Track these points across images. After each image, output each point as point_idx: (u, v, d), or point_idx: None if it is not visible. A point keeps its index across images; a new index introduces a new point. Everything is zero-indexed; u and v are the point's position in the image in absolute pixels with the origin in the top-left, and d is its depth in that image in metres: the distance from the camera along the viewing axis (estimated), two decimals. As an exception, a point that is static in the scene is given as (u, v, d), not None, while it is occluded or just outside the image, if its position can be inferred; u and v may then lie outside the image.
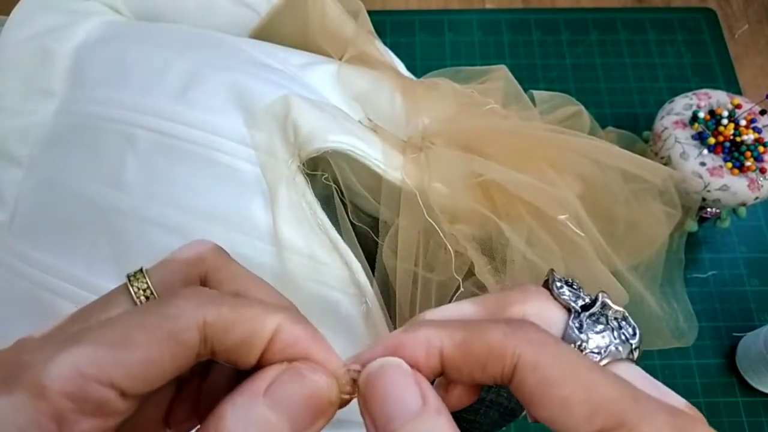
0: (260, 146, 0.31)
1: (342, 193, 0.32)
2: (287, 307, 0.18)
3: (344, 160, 0.31)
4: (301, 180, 0.31)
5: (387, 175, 0.31)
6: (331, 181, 0.31)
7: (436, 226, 0.28)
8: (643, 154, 0.54)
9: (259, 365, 0.16)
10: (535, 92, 0.39)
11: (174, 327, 0.15)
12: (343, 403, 0.16)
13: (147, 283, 0.17)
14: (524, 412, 0.36)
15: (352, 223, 0.32)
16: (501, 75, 0.40)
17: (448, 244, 0.28)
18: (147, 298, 0.17)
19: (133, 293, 0.17)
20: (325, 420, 0.16)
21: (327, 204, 0.31)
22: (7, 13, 0.39)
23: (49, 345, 0.14)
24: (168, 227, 0.30)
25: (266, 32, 0.41)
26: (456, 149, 0.32)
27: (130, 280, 0.17)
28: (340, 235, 0.31)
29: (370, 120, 0.35)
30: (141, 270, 0.18)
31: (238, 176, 0.31)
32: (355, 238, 0.32)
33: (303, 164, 0.31)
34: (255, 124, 0.31)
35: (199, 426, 0.17)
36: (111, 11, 0.41)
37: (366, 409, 0.16)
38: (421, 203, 0.29)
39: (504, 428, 0.36)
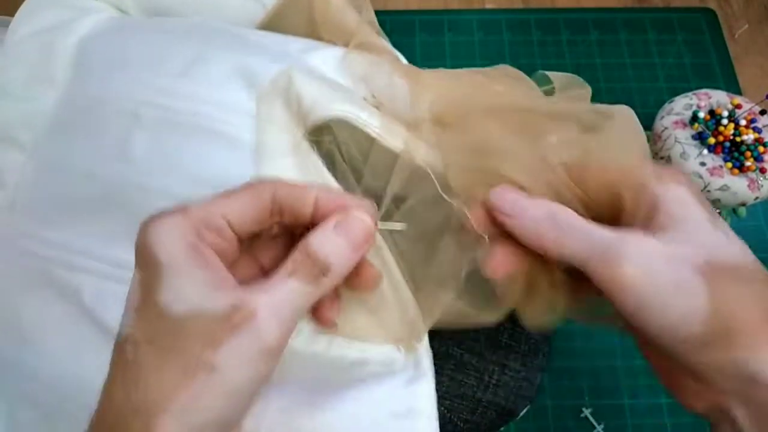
0: (263, 116, 0.31)
1: (344, 159, 0.32)
2: (323, 185, 0.27)
3: (346, 130, 0.31)
4: (306, 146, 0.31)
5: (384, 141, 0.31)
6: (334, 147, 0.32)
7: (451, 201, 0.28)
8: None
9: (313, 222, 0.25)
10: (549, 73, 0.40)
11: (256, 190, 0.24)
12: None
13: None
14: (522, 413, 0.36)
15: None
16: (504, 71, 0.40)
17: (466, 213, 0.28)
18: None
19: None
20: (369, 244, 0.25)
21: (330, 168, 0.32)
22: (10, 12, 0.40)
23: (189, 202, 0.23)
24: (176, 198, 0.31)
25: (272, 25, 0.42)
26: (463, 133, 0.32)
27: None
28: None
29: (374, 97, 0.35)
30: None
31: (244, 146, 0.31)
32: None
33: (308, 132, 0.31)
34: (259, 96, 0.32)
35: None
36: (115, 9, 0.42)
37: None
38: (435, 179, 0.29)
39: (503, 429, 0.36)
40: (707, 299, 0.21)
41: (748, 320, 0.21)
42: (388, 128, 0.32)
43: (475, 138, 0.30)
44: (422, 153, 0.31)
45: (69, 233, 0.33)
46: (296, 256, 0.23)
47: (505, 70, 0.39)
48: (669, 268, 0.22)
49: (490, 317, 0.29)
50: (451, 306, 0.29)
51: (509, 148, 0.28)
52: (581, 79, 0.40)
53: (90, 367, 0.31)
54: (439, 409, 0.32)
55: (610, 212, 0.26)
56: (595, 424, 0.45)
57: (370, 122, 0.31)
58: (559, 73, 0.40)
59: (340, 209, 0.25)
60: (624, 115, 0.27)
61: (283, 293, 0.22)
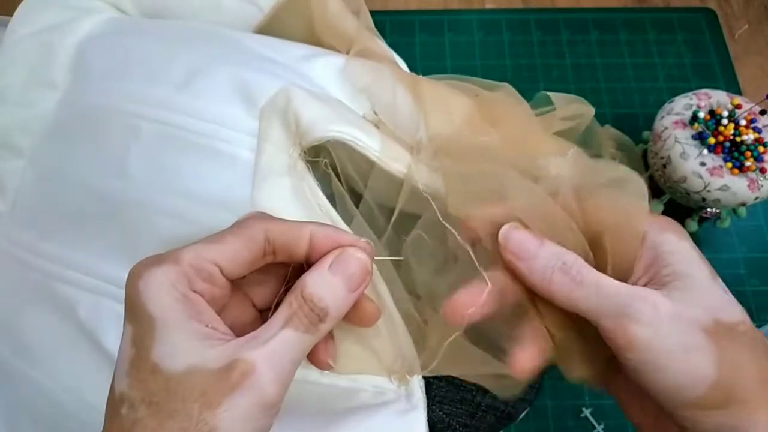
0: (261, 135, 0.31)
1: (341, 180, 0.32)
2: (317, 221, 0.26)
3: (344, 151, 0.31)
4: (302, 166, 0.31)
5: (383, 164, 0.31)
6: (330, 168, 0.32)
7: (451, 229, 0.28)
8: (641, 154, 0.54)
9: (308, 259, 0.24)
10: (551, 94, 0.39)
11: (249, 233, 0.23)
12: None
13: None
14: (522, 415, 0.36)
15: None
16: (506, 92, 0.40)
17: (464, 243, 0.28)
18: None
19: None
20: (366, 283, 0.24)
21: (327, 190, 0.32)
22: (8, 12, 0.39)
23: (178, 247, 0.23)
24: (173, 214, 0.31)
25: (270, 29, 0.42)
26: (467, 162, 0.32)
27: None
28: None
29: (375, 114, 0.35)
30: None
31: (241, 164, 0.31)
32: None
33: (304, 152, 0.31)
34: (257, 114, 0.32)
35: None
36: (115, 9, 0.41)
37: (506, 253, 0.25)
38: (435, 208, 0.29)
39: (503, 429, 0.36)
40: (714, 364, 0.22)
41: (748, 384, 0.22)
42: (388, 150, 0.32)
43: (481, 169, 0.30)
44: (424, 177, 0.31)
45: (66, 246, 0.33)
46: (292, 301, 0.23)
47: (506, 92, 0.39)
48: (679, 330, 0.22)
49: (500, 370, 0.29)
50: (469, 352, 0.28)
51: (514, 180, 0.28)
52: (584, 100, 0.40)
53: (90, 385, 0.31)
54: (438, 413, 0.32)
55: (595, 247, 0.26)
56: (595, 424, 0.45)
57: (369, 144, 0.31)
58: (561, 94, 0.39)
59: (334, 246, 0.24)
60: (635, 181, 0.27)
61: (281, 344, 0.22)
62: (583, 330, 0.26)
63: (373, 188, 0.32)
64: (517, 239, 0.26)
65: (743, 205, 0.46)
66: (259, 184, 0.30)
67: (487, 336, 0.28)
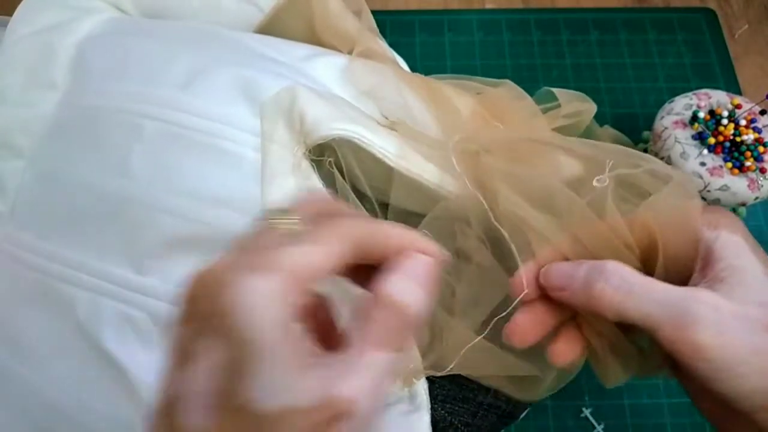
0: (265, 134, 0.31)
1: (345, 179, 0.32)
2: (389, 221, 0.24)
3: (349, 149, 0.31)
4: (306, 165, 0.31)
5: (389, 162, 0.31)
6: (334, 168, 0.32)
7: (503, 232, 0.28)
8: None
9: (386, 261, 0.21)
10: (555, 90, 0.39)
11: (341, 237, 0.20)
12: None
13: (290, 219, 0.22)
14: (522, 415, 0.36)
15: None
16: (508, 88, 0.40)
17: (513, 247, 0.28)
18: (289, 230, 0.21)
19: (281, 229, 0.21)
20: (434, 289, 0.21)
21: (332, 190, 0.32)
22: (8, 12, 0.39)
23: (268, 246, 0.19)
24: (176, 213, 0.31)
25: (270, 29, 0.42)
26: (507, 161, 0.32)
27: (277, 219, 0.22)
28: None
29: (386, 118, 0.35)
30: (282, 209, 0.22)
31: (245, 163, 0.31)
32: None
33: (309, 151, 0.31)
34: (261, 113, 0.32)
35: None
36: (115, 9, 0.41)
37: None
38: (487, 207, 0.29)
39: (503, 431, 0.36)
40: None
41: None
42: (402, 151, 0.32)
43: (531, 176, 0.29)
44: (438, 176, 0.31)
45: (66, 246, 0.33)
46: (374, 315, 0.19)
47: (508, 88, 0.39)
48: (744, 332, 0.21)
49: (539, 372, 0.29)
50: (491, 353, 0.28)
51: (562, 193, 0.27)
52: (586, 96, 0.40)
53: (88, 386, 0.31)
54: (440, 412, 0.32)
55: (647, 259, 0.25)
56: (595, 424, 0.45)
57: (374, 141, 0.31)
58: (565, 91, 0.39)
59: (412, 248, 0.21)
60: (680, 179, 0.26)
61: (376, 370, 0.18)
62: (619, 340, 0.25)
63: (380, 188, 0.32)
64: (555, 272, 0.25)
65: (743, 205, 0.46)
66: (267, 184, 0.30)
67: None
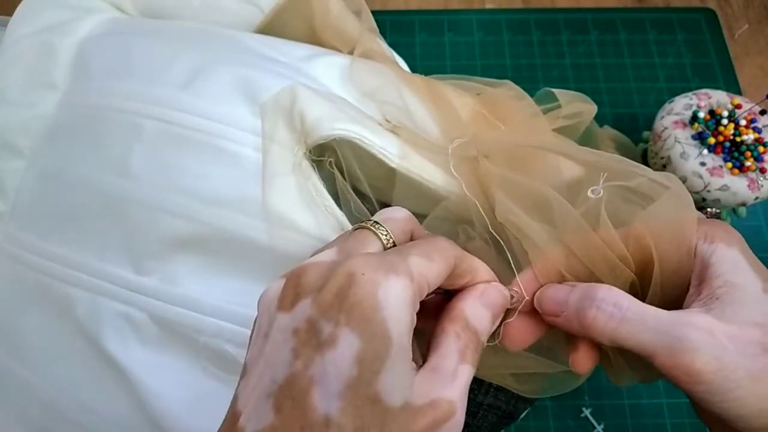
0: (266, 134, 0.31)
1: (345, 179, 0.32)
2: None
3: (349, 149, 0.31)
4: (306, 165, 0.31)
5: (390, 162, 0.31)
6: (335, 168, 0.32)
7: (498, 238, 0.28)
8: (641, 154, 0.54)
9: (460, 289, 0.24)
10: (556, 91, 0.39)
11: (448, 253, 0.22)
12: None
13: (386, 230, 0.23)
14: (522, 415, 0.36)
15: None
16: (507, 88, 0.40)
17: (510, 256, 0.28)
18: (389, 239, 0.23)
19: (381, 237, 0.23)
20: (501, 316, 0.25)
21: (331, 189, 0.32)
22: (8, 12, 0.39)
23: (395, 253, 0.21)
24: (176, 213, 0.31)
25: (270, 29, 0.42)
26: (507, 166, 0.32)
27: (371, 227, 0.23)
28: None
29: (389, 121, 0.35)
30: (375, 221, 0.24)
31: (245, 163, 0.31)
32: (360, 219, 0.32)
33: (309, 151, 0.31)
34: (261, 113, 0.32)
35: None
36: (115, 9, 0.41)
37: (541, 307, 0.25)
38: (483, 213, 0.29)
39: (503, 431, 0.36)
40: None
41: None
42: (403, 151, 0.32)
43: (529, 183, 0.29)
44: (442, 178, 0.31)
45: (66, 246, 0.32)
46: (459, 332, 0.22)
47: (508, 88, 0.39)
48: (740, 355, 0.21)
49: (550, 369, 0.29)
50: (496, 353, 0.28)
51: (558, 203, 0.27)
52: (587, 97, 0.40)
53: (87, 386, 0.31)
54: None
55: (642, 272, 0.25)
56: (595, 424, 0.45)
57: (376, 143, 0.31)
58: (565, 91, 0.39)
59: (484, 278, 0.24)
60: (675, 185, 0.26)
61: (466, 381, 0.21)
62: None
63: (380, 189, 0.32)
64: (548, 299, 0.25)
65: (743, 205, 0.46)
66: (268, 185, 0.30)
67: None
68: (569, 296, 0.25)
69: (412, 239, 0.25)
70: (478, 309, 0.23)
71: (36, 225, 0.34)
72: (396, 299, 0.19)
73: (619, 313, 0.23)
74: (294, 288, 0.21)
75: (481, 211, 0.29)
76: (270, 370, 0.20)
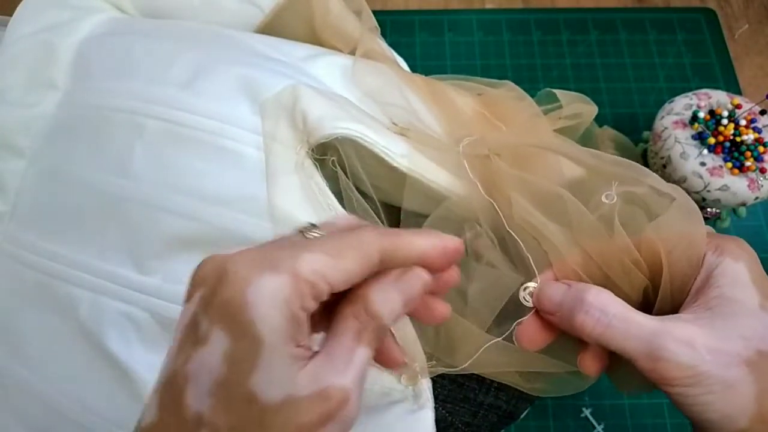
0: (268, 133, 0.31)
1: (348, 178, 0.32)
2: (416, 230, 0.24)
3: (351, 148, 0.31)
4: (309, 164, 0.31)
5: (391, 161, 0.31)
6: (337, 167, 0.32)
7: (515, 236, 0.28)
8: (641, 154, 0.54)
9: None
10: (557, 91, 0.39)
11: (368, 248, 0.20)
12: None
13: (319, 234, 0.22)
14: (523, 415, 0.36)
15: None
16: (508, 88, 0.40)
17: (525, 252, 0.28)
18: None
19: (309, 236, 0.22)
20: (415, 301, 0.22)
21: (334, 188, 0.32)
22: (8, 12, 0.39)
23: (286, 249, 0.20)
24: (178, 213, 0.31)
25: (270, 29, 0.42)
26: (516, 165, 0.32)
27: (304, 232, 0.22)
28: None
29: (396, 124, 0.35)
30: (314, 225, 0.22)
31: (247, 162, 0.31)
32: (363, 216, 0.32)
33: (312, 150, 0.31)
34: (263, 112, 0.32)
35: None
36: (115, 9, 0.41)
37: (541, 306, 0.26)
38: (500, 212, 0.29)
39: (503, 431, 0.36)
40: (755, 397, 0.22)
41: None
42: (405, 150, 0.32)
43: (543, 184, 0.30)
44: (446, 179, 0.31)
45: (67, 245, 0.32)
46: (358, 314, 0.20)
47: (508, 89, 0.39)
48: (718, 365, 0.22)
49: (559, 369, 0.29)
50: (504, 352, 0.29)
51: (574, 205, 0.28)
52: (588, 98, 0.40)
53: (89, 387, 0.31)
54: (440, 412, 0.32)
55: (653, 278, 0.26)
56: (595, 424, 0.45)
57: (379, 142, 0.31)
58: (566, 92, 0.39)
59: (428, 255, 0.22)
60: (682, 201, 0.27)
61: (362, 365, 0.20)
62: None
63: (382, 188, 0.32)
64: (545, 297, 0.26)
65: (743, 205, 0.46)
66: (272, 184, 0.30)
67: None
68: (564, 296, 0.25)
69: None
70: (387, 292, 0.21)
71: (37, 225, 0.34)
72: (267, 299, 0.18)
73: (605, 319, 0.24)
74: (192, 279, 0.20)
75: (498, 210, 0.29)
76: (165, 362, 0.20)
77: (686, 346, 0.22)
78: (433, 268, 0.22)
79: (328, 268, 0.19)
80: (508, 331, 0.28)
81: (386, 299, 0.21)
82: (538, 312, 0.27)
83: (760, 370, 0.22)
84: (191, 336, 0.19)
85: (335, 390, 0.19)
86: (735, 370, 0.22)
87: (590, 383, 0.30)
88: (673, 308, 0.26)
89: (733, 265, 0.24)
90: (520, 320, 0.27)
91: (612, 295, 0.25)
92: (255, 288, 0.18)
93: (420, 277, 0.22)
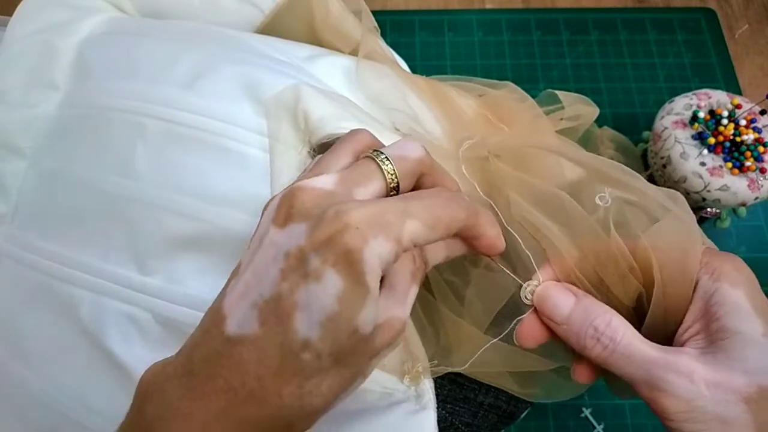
0: (270, 133, 0.31)
1: None
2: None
3: None
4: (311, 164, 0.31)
5: None
6: None
7: (515, 234, 0.28)
8: (641, 154, 0.54)
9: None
10: (559, 92, 0.40)
11: (456, 226, 0.23)
12: None
13: (393, 168, 0.24)
14: (523, 415, 0.36)
15: None
16: (509, 90, 0.40)
17: (527, 251, 0.28)
18: (393, 180, 0.24)
19: (386, 173, 0.23)
20: (453, 253, 0.26)
21: None
22: (8, 12, 0.39)
23: (394, 212, 0.22)
24: (180, 213, 0.31)
25: (270, 30, 0.42)
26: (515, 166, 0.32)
27: (379, 162, 0.24)
28: None
29: (398, 129, 0.35)
30: (385, 156, 0.24)
31: (249, 162, 0.31)
32: None
33: (314, 150, 0.31)
34: (265, 112, 0.32)
35: None
36: (115, 9, 0.41)
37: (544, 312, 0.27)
38: (499, 212, 0.29)
39: (503, 431, 0.36)
40: None
41: None
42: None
43: (542, 185, 0.30)
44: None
45: (68, 246, 0.32)
46: (416, 255, 0.24)
47: (509, 90, 0.39)
48: (715, 403, 0.22)
49: (550, 367, 0.30)
50: (502, 352, 0.29)
51: (573, 208, 0.28)
52: (589, 100, 0.40)
53: (91, 388, 0.31)
54: (440, 412, 0.32)
55: (647, 285, 0.26)
56: (595, 424, 0.45)
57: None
58: (568, 93, 0.39)
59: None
60: (678, 213, 0.27)
61: (412, 299, 0.24)
62: None
63: None
64: (552, 301, 0.26)
65: (743, 205, 0.46)
66: (275, 184, 0.30)
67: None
68: (572, 312, 0.26)
69: (418, 186, 0.25)
70: (438, 246, 0.25)
71: (38, 225, 0.34)
72: (379, 259, 0.21)
73: (612, 347, 0.24)
74: (287, 207, 0.22)
75: (497, 210, 0.29)
76: (258, 283, 0.22)
77: (685, 379, 0.22)
78: (480, 245, 0.25)
79: (423, 237, 0.22)
80: (508, 329, 0.27)
81: (436, 253, 0.25)
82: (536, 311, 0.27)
83: (759, 407, 0.22)
84: (299, 268, 0.21)
85: (397, 320, 0.23)
86: (733, 407, 0.22)
87: (584, 389, 0.30)
88: (665, 322, 0.26)
89: (732, 293, 0.24)
90: (519, 318, 0.27)
91: (621, 319, 0.25)
92: (371, 248, 0.20)
93: (464, 248, 0.26)
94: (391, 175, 0.23)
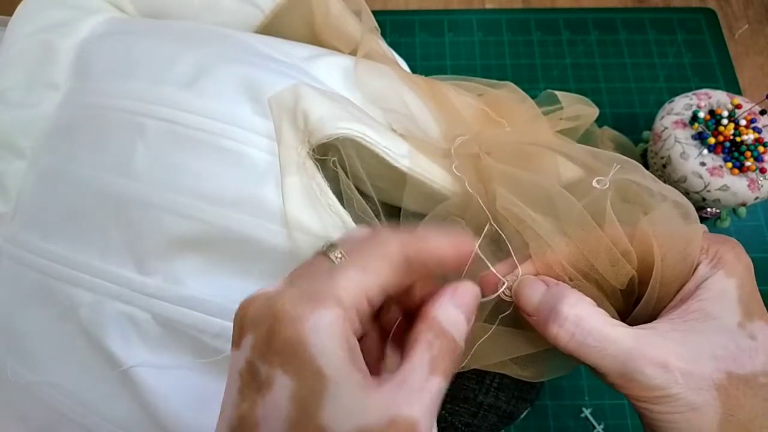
0: (270, 133, 0.31)
1: (349, 178, 0.32)
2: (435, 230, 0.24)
3: (352, 148, 0.31)
4: (310, 164, 0.31)
5: (393, 161, 0.31)
6: (338, 167, 0.32)
7: (501, 233, 0.28)
8: (641, 154, 0.54)
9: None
10: (558, 93, 0.40)
11: (395, 258, 0.21)
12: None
13: (341, 252, 0.22)
14: (523, 415, 0.36)
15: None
16: (509, 89, 0.40)
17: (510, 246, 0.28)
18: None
19: (336, 261, 0.22)
20: (474, 316, 0.23)
21: (335, 188, 0.32)
22: (8, 12, 0.39)
23: (322, 279, 0.20)
24: (179, 213, 0.31)
25: (270, 29, 0.42)
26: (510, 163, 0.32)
27: (327, 252, 0.22)
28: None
29: (394, 130, 0.35)
30: (332, 244, 0.23)
31: (249, 162, 0.31)
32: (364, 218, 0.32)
33: (313, 150, 0.31)
34: (264, 112, 0.32)
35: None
36: (115, 9, 0.41)
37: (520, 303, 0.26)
38: (485, 208, 0.29)
39: (503, 431, 0.36)
40: (717, 422, 0.22)
41: None
42: (414, 156, 0.32)
43: (530, 178, 0.29)
44: (442, 177, 0.31)
45: (68, 246, 0.32)
46: (431, 341, 0.20)
47: (509, 89, 0.39)
48: (687, 388, 0.22)
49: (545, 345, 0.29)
50: (498, 340, 0.29)
51: (562, 197, 0.27)
52: (589, 100, 0.40)
53: (90, 388, 0.31)
54: (440, 412, 0.32)
55: (643, 271, 0.26)
56: (595, 424, 0.45)
57: (380, 142, 0.31)
58: (568, 94, 0.39)
59: (450, 255, 0.23)
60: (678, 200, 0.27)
61: (435, 395, 0.20)
62: None
63: (382, 188, 0.32)
64: (524, 295, 0.26)
65: (743, 205, 0.46)
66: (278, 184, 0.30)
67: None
68: (541, 300, 0.25)
69: None
70: (452, 312, 0.22)
71: (38, 226, 0.34)
72: (324, 333, 0.18)
73: (580, 336, 0.24)
74: (240, 323, 0.20)
75: (482, 205, 0.29)
76: (226, 409, 0.20)
77: (661, 369, 0.22)
78: (450, 267, 0.23)
79: (365, 288, 0.20)
80: (492, 329, 0.27)
81: (454, 319, 0.21)
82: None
83: (727, 394, 0.22)
84: (252, 382, 0.19)
85: (404, 420, 0.18)
86: (704, 393, 0.22)
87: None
88: (659, 304, 0.26)
89: (724, 281, 0.24)
90: (503, 315, 0.27)
91: (589, 304, 0.24)
92: (311, 325, 0.18)
93: (472, 291, 0.23)
94: (339, 258, 0.22)
